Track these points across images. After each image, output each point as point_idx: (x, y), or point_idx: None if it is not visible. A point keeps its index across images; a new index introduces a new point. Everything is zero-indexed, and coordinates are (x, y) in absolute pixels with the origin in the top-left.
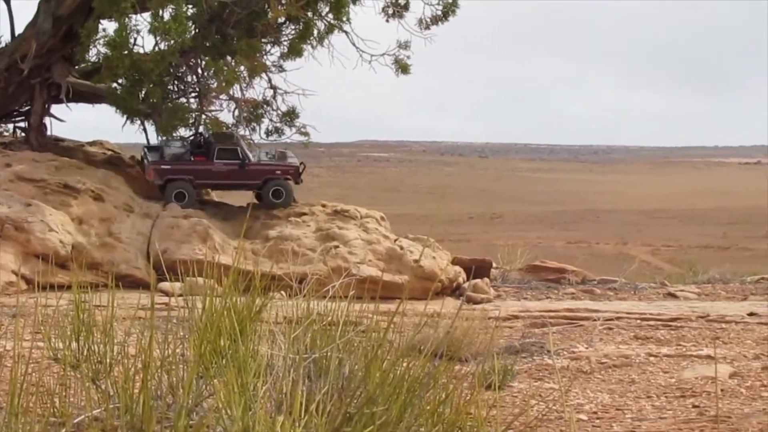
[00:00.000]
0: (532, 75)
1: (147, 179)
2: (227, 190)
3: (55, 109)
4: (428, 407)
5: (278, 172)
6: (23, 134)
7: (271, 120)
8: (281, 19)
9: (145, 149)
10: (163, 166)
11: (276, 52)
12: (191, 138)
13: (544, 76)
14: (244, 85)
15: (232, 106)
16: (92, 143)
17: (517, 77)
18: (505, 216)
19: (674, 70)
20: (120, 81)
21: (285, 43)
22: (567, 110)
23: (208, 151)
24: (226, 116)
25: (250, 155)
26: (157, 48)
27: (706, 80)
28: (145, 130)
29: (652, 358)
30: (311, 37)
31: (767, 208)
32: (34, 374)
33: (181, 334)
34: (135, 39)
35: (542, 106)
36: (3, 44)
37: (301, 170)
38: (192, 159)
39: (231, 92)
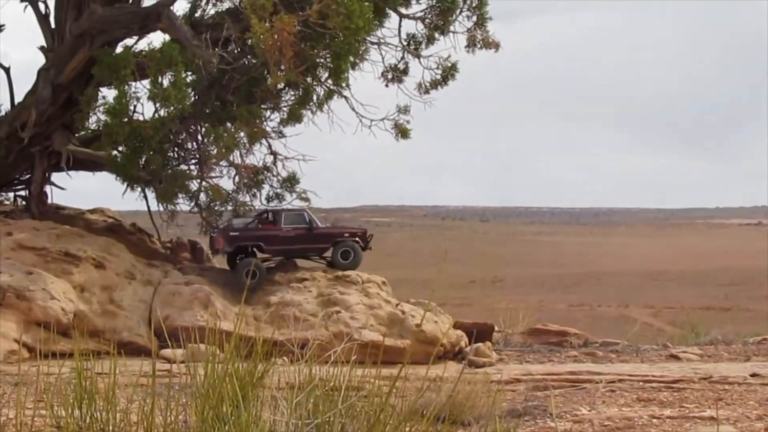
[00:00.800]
0: (531, 138)
1: (216, 248)
2: (296, 257)
3: (55, 177)
4: None
5: (346, 234)
6: (24, 203)
7: (271, 186)
8: (280, 85)
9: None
10: (232, 233)
11: (276, 117)
12: (258, 214)
13: (543, 139)
14: (244, 151)
15: (233, 172)
16: (93, 211)
17: (517, 141)
18: (507, 279)
19: (673, 132)
20: (120, 148)
21: (284, 108)
22: (567, 173)
23: (275, 219)
24: (227, 182)
25: (317, 220)
26: (156, 115)
27: (706, 142)
28: (145, 197)
29: (654, 420)
30: (311, 103)
31: None
32: None
33: (184, 400)
34: (134, 106)
35: (542, 169)
36: (3, 113)
37: (368, 237)
38: (260, 226)
39: (231, 158)
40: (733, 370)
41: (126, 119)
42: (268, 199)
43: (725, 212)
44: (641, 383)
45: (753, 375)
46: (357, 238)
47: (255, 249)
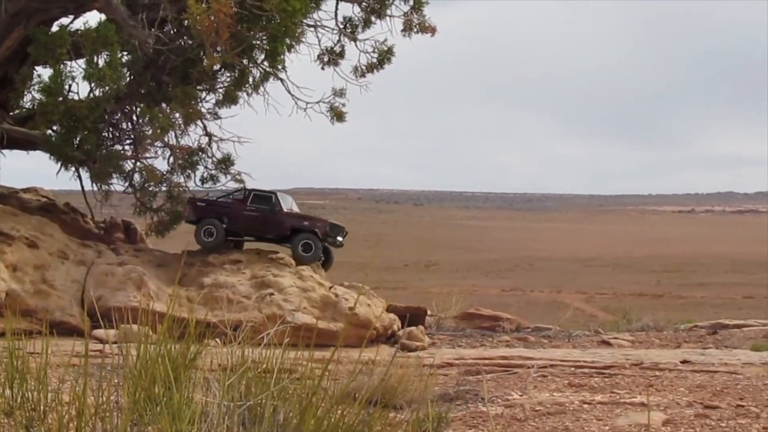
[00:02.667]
0: (466, 123)
1: (183, 215)
2: (253, 237)
3: None
4: None
5: (306, 223)
6: None
7: (206, 167)
8: (217, 67)
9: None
10: (198, 203)
11: (211, 99)
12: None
13: (479, 124)
14: (179, 132)
15: (167, 153)
16: (27, 190)
17: (452, 125)
18: (441, 264)
19: (607, 119)
20: (54, 127)
21: (220, 90)
22: (501, 158)
23: (245, 198)
24: (161, 163)
25: (284, 206)
26: (91, 94)
27: (640, 129)
28: (79, 177)
29: (585, 406)
30: (246, 85)
31: (701, 257)
32: None
33: (116, 381)
34: (70, 85)
35: (477, 154)
36: None
37: (334, 231)
38: (229, 202)
39: (166, 139)
40: (664, 356)
41: (61, 98)
42: (203, 180)
43: (658, 199)
44: (573, 369)
45: (683, 362)
46: (317, 230)
47: (218, 220)
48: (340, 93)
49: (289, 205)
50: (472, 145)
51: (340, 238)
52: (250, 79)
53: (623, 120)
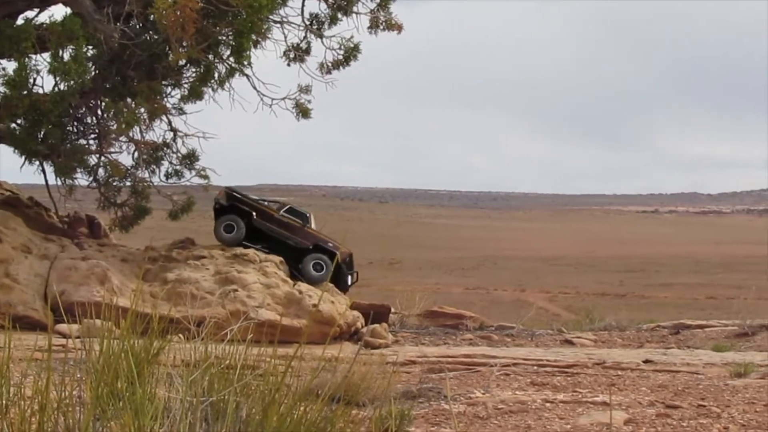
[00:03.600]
0: (432, 122)
1: (216, 198)
2: (277, 240)
3: None
4: None
5: (330, 244)
6: None
7: (170, 162)
8: (182, 62)
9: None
10: (233, 192)
11: (176, 94)
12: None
13: (445, 123)
14: (144, 127)
15: (132, 148)
16: None
17: (419, 124)
18: (405, 261)
19: (573, 119)
20: (18, 121)
21: (186, 85)
22: (467, 157)
23: (278, 207)
24: (126, 158)
25: (313, 224)
26: (56, 88)
27: (605, 130)
28: (43, 171)
29: (548, 405)
30: (212, 80)
31: (664, 257)
32: None
33: (78, 376)
34: (34, 79)
35: (443, 153)
36: None
37: (350, 266)
38: (261, 203)
39: (131, 134)
40: (626, 356)
41: (25, 92)
42: (167, 175)
43: (623, 199)
44: (535, 367)
45: (646, 361)
46: (337, 252)
47: (246, 216)
48: (305, 89)
49: (316, 228)
50: (437, 143)
51: (349, 279)
52: (216, 75)
53: (589, 121)
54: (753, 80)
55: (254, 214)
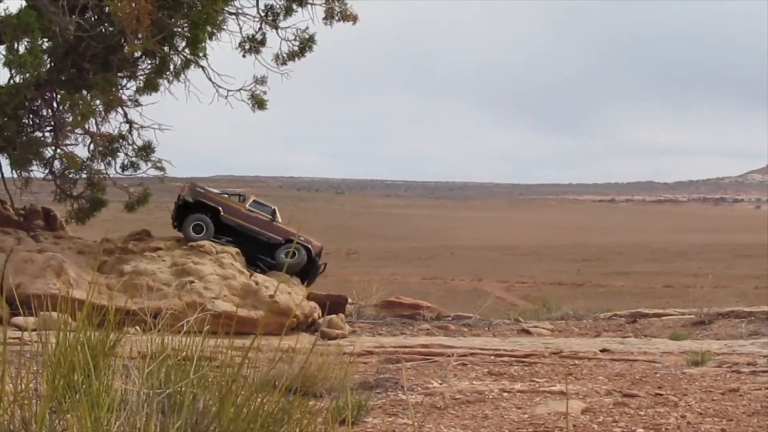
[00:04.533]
0: (388, 112)
1: (179, 194)
2: (245, 236)
3: None
4: None
5: (301, 238)
6: None
7: (126, 154)
8: (137, 54)
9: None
10: (198, 187)
11: (132, 86)
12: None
13: (400, 113)
14: (100, 119)
15: (88, 140)
16: None
17: (374, 114)
18: (361, 252)
19: (528, 108)
20: None
21: (141, 77)
22: (423, 147)
23: (243, 200)
24: (82, 150)
25: (280, 220)
26: (12, 81)
27: (561, 119)
28: None
29: (505, 394)
30: (167, 72)
31: (621, 246)
32: None
33: (35, 368)
34: None
35: (398, 142)
36: None
37: (320, 255)
38: (227, 197)
39: (86, 126)
40: (583, 345)
41: None
42: (123, 167)
43: (579, 188)
44: (493, 357)
45: (603, 350)
46: (310, 247)
47: (212, 211)
48: (261, 81)
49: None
50: (393, 133)
51: (320, 269)
52: (171, 67)
53: (544, 109)
54: (709, 69)
55: (221, 209)
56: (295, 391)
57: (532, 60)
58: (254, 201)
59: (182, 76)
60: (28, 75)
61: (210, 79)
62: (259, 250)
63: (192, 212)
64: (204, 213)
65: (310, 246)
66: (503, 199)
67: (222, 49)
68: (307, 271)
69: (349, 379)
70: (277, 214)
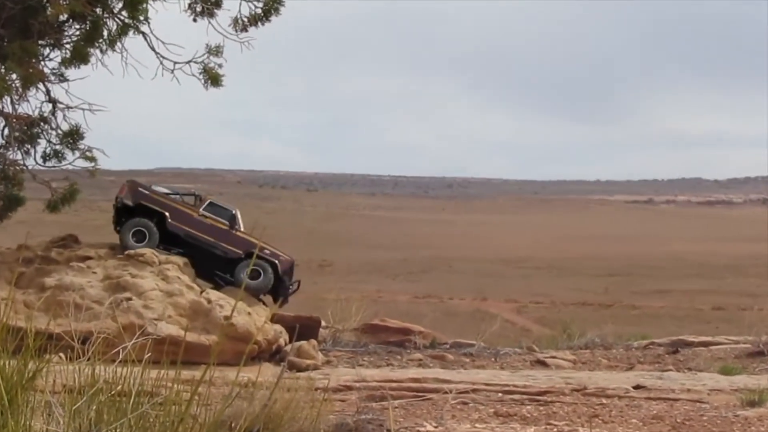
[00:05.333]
0: (370, 92)
1: (117, 196)
2: (198, 247)
3: None
4: None
5: (267, 251)
6: None
7: (49, 141)
8: (63, 17)
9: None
10: (140, 188)
11: (57, 56)
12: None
13: (385, 93)
14: (16, 97)
15: (2, 122)
16: None
17: (353, 94)
18: (338, 263)
19: (543, 87)
20: None
21: (68, 46)
22: (414, 134)
23: (198, 203)
24: None
25: (241, 225)
26: None
27: (585, 101)
28: None
29: None
30: (100, 39)
31: (660, 258)
32: None
33: None
34: None
35: (383, 129)
36: None
37: (291, 271)
38: (178, 199)
39: (0, 106)
40: (612, 380)
41: None
42: (45, 157)
43: (608, 186)
44: (500, 394)
45: (636, 387)
46: (277, 262)
47: (157, 216)
48: (215, 51)
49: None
50: (377, 118)
51: (292, 288)
52: (105, 33)
53: (564, 89)
54: None
55: (168, 214)
56: None
57: (548, 30)
58: (210, 203)
59: (118, 44)
60: None
61: (153, 49)
62: (215, 266)
63: (133, 216)
64: (148, 218)
65: (277, 261)
66: (513, 199)
67: (167, 11)
68: (275, 291)
69: (323, 420)
70: (238, 220)
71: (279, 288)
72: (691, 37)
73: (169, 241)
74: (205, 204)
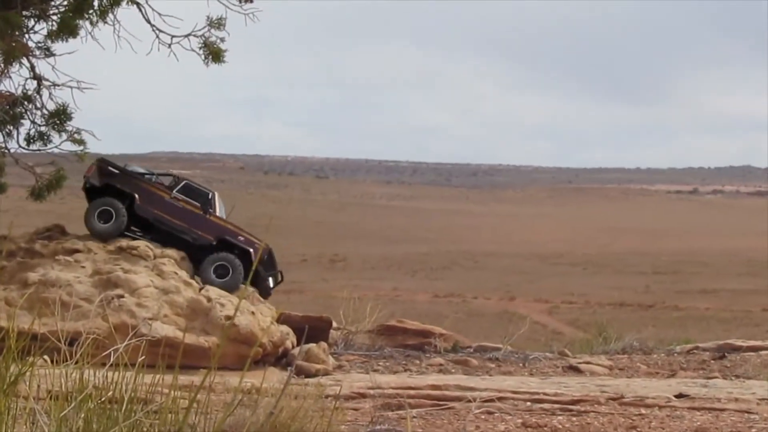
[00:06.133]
0: (386, 69)
1: (85, 176)
2: (165, 231)
3: None
4: None
5: (241, 238)
6: None
7: (33, 122)
8: None
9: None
10: (109, 167)
11: (42, 29)
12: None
13: (403, 70)
14: None
15: None
16: None
17: (367, 71)
18: (351, 259)
19: (577, 65)
20: None
21: (55, 17)
22: (434, 117)
23: (173, 185)
24: None
25: (218, 210)
26: None
27: (623, 81)
28: None
29: None
30: (90, 10)
31: (705, 254)
32: None
33: None
34: None
35: (401, 110)
36: None
37: (268, 267)
38: (153, 182)
39: None
40: (652, 388)
41: None
42: (29, 139)
43: (649, 175)
44: (529, 403)
45: (679, 396)
46: (251, 251)
47: (129, 199)
48: (217, 24)
49: (223, 214)
50: (393, 98)
51: (270, 281)
52: (96, 3)
53: (599, 68)
54: None
55: (137, 196)
56: None
57: (584, 3)
58: (185, 184)
59: (110, 16)
60: None
61: (148, 21)
62: (188, 254)
63: (99, 196)
64: (116, 198)
65: (251, 250)
66: (545, 188)
67: None
68: (254, 285)
69: (335, 430)
70: (217, 204)
71: (256, 283)
72: (740, 7)
73: (139, 225)
74: (180, 185)
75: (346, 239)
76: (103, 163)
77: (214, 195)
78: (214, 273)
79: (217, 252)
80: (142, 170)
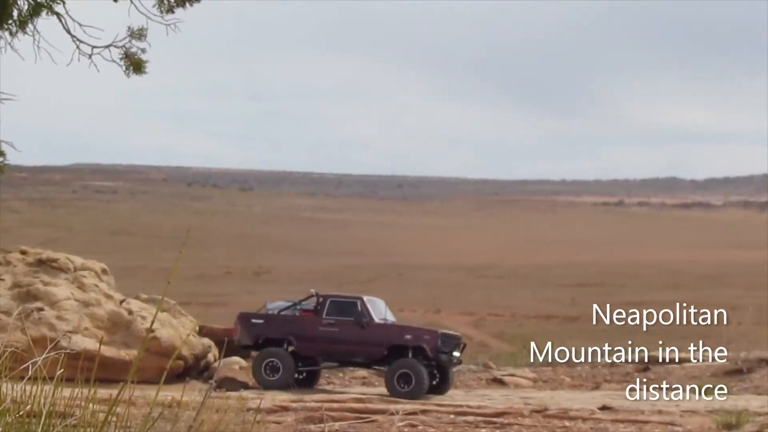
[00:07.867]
0: (310, 80)
1: (234, 339)
2: (340, 362)
3: None
4: None
5: (408, 336)
6: None
7: None
8: None
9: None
10: (253, 320)
11: None
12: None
13: (326, 81)
14: None
15: None
16: None
17: (291, 82)
18: (276, 271)
19: (503, 77)
20: None
21: None
22: (359, 128)
23: (318, 307)
24: None
25: (373, 315)
26: None
27: (549, 93)
28: None
29: None
30: (9, 20)
31: (632, 266)
32: None
33: None
34: None
35: (325, 122)
36: None
37: (448, 345)
38: (297, 313)
39: None
40: (576, 400)
41: None
42: None
43: (575, 186)
44: (452, 416)
45: (603, 408)
46: (424, 346)
47: (284, 341)
48: (138, 34)
49: (381, 313)
50: (318, 109)
51: (456, 354)
52: (15, 13)
53: (526, 79)
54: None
55: (293, 339)
56: None
57: (509, 11)
58: (331, 302)
59: (30, 25)
60: None
61: (68, 31)
62: (369, 366)
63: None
64: (277, 345)
65: (424, 345)
66: (471, 200)
67: None
68: (442, 377)
69: None
70: (369, 307)
71: (444, 376)
72: (664, 22)
73: (306, 364)
74: (326, 306)
75: (271, 252)
76: (244, 317)
77: (362, 300)
78: (398, 384)
79: (392, 358)
80: (283, 303)
